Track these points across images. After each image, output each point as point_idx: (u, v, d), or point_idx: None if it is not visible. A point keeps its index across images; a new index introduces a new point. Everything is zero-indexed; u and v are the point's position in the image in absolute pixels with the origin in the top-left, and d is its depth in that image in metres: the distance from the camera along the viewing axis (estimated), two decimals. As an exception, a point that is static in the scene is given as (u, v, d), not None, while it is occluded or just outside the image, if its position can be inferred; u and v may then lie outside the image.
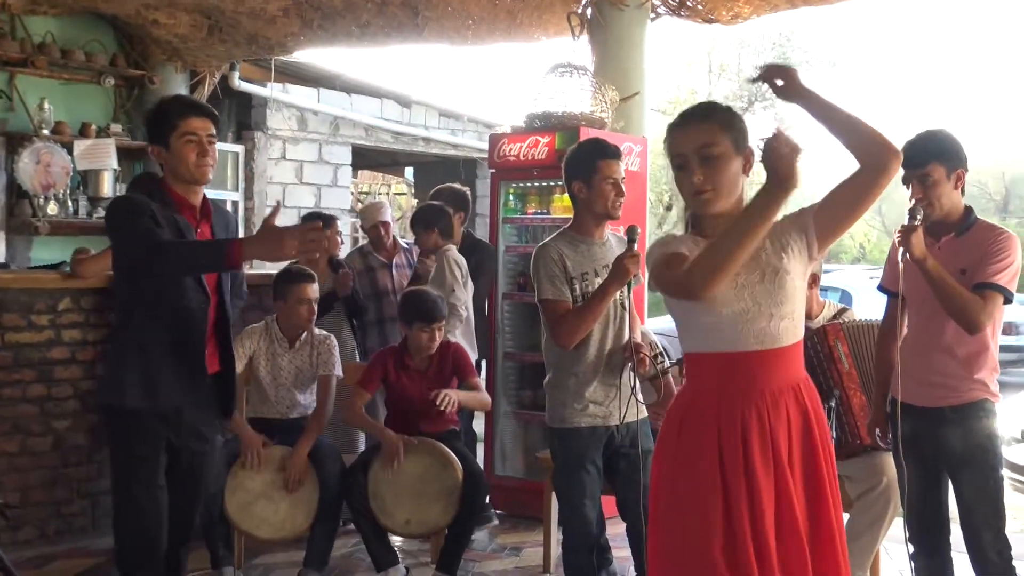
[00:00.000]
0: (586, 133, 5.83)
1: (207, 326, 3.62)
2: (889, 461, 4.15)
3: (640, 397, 4.06)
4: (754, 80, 2.76)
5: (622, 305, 4.10)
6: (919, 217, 3.59)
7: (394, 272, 6.44)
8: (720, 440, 2.68)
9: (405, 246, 6.70)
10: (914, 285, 3.71)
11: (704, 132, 2.71)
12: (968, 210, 3.75)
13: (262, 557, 5.26)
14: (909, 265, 3.64)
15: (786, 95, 2.70)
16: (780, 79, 2.69)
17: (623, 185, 4.09)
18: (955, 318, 3.56)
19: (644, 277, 4.29)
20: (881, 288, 4.08)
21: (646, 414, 4.16)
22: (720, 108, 2.83)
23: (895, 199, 34.82)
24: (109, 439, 3.77)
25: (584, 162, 4.03)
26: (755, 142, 2.68)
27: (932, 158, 3.67)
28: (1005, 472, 3.96)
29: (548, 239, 4.21)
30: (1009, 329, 12.24)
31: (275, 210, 3.32)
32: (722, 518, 2.64)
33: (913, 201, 3.68)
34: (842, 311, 4.88)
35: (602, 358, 4.06)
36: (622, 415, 4.03)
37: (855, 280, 13.71)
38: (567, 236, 4.15)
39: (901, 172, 3.71)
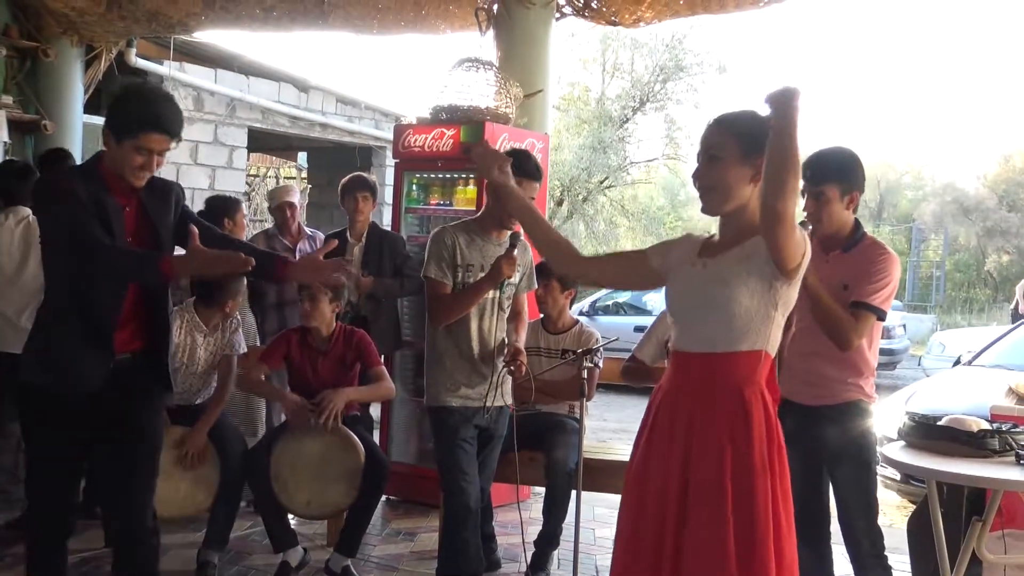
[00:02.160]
0: (491, 127, 5.95)
1: (120, 308, 3.50)
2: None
3: (507, 396, 4.47)
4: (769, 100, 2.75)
5: (500, 306, 4.37)
6: (807, 230, 3.76)
7: (297, 256, 6.46)
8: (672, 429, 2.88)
9: (309, 233, 6.73)
10: (801, 290, 3.90)
11: (717, 134, 2.89)
12: (857, 225, 3.93)
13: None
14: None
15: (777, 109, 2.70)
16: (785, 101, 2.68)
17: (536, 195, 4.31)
18: (828, 335, 3.73)
19: (518, 280, 4.44)
20: None
21: (508, 402, 4.50)
22: (746, 117, 2.91)
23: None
24: (20, 416, 3.73)
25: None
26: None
27: (830, 179, 3.84)
28: (879, 469, 4.18)
29: (450, 224, 4.42)
30: (883, 333, 12.67)
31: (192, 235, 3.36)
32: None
33: (804, 215, 3.85)
34: None
35: (475, 349, 4.32)
36: (488, 401, 4.32)
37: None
38: (467, 226, 4.37)
39: (801, 183, 3.92)
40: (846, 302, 3.75)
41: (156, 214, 3.56)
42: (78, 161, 6.41)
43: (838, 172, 3.87)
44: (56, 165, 5.76)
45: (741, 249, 2.85)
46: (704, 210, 2.97)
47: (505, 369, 4.30)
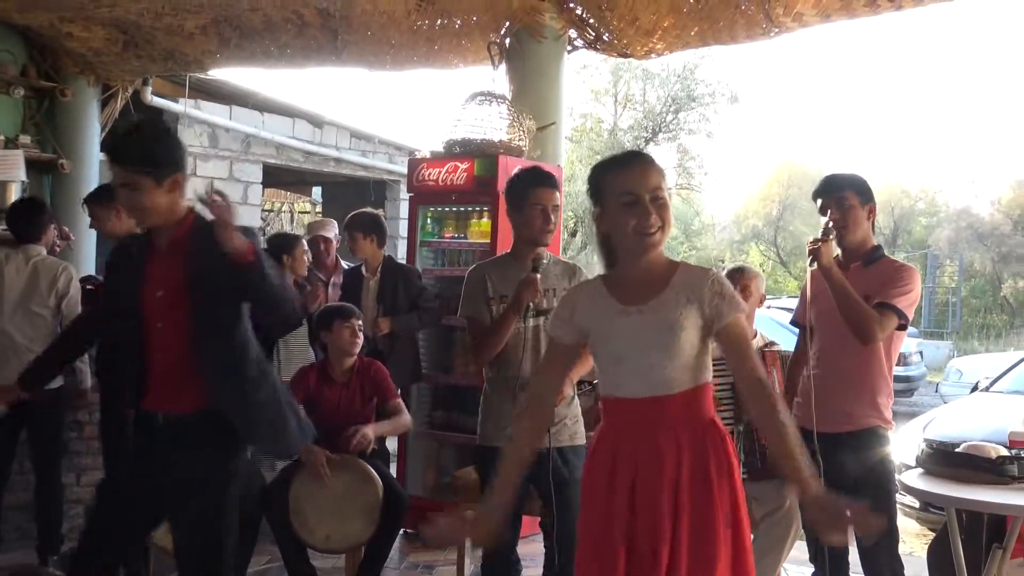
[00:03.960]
0: (504, 160, 5.99)
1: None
2: (793, 485, 4.32)
3: (574, 436, 4.12)
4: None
5: (543, 336, 4.07)
6: (831, 236, 3.86)
7: (330, 290, 6.53)
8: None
9: (346, 267, 6.78)
10: (820, 314, 3.93)
11: (658, 175, 2.87)
12: (878, 247, 4.01)
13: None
14: (816, 297, 3.85)
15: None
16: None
17: (553, 213, 4.14)
18: (852, 327, 3.77)
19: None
20: (793, 322, 4.31)
21: (581, 442, 4.12)
22: (648, 155, 3.04)
23: (791, 231, 35.81)
24: None
25: (517, 188, 4.13)
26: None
27: (848, 187, 3.97)
28: (897, 497, 4.17)
29: (482, 261, 4.37)
30: (899, 359, 12.65)
31: None
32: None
33: (830, 223, 3.92)
34: (771, 344, 5.08)
35: (520, 382, 4.06)
36: (547, 440, 3.89)
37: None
38: (500, 259, 4.31)
39: (818, 202, 3.98)
40: None
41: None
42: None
43: (853, 183, 4.01)
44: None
45: (671, 289, 2.85)
46: (645, 251, 2.86)
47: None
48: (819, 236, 3.88)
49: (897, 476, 4.08)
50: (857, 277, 3.89)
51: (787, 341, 4.96)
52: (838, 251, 3.95)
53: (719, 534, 2.77)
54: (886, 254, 4.06)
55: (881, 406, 3.93)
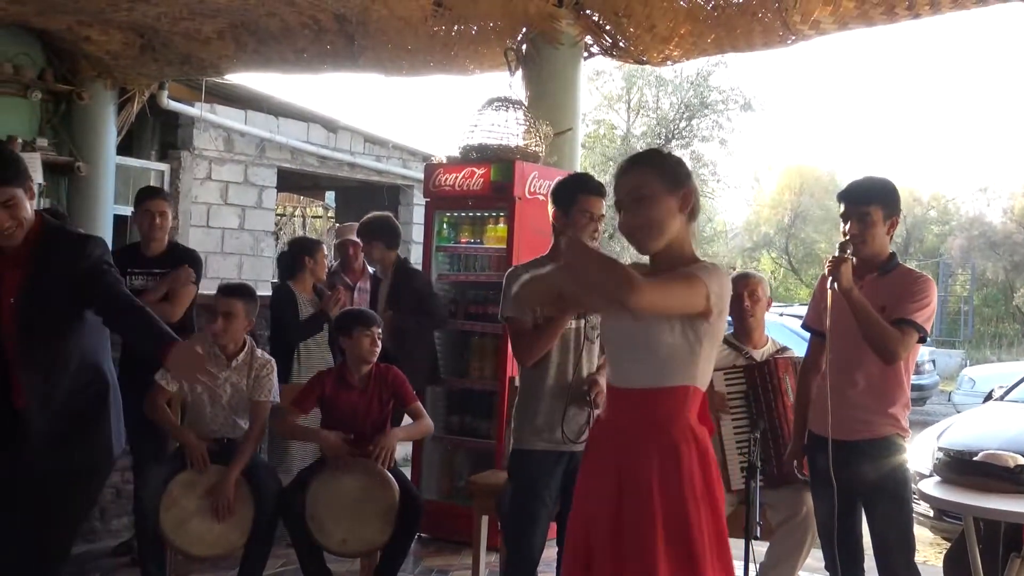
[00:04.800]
0: (520, 166, 6.01)
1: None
2: (809, 492, 4.31)
3: (572, 431, 4.08)
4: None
5: (587, 337, 4.14)
6: (849, 251, 3.82)
7: (356, 296, 6.56)
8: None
9: (372, 272, 6.82)
10: (834, 321, 3.92)
11: (634, 176, 2.91)
12: (893, 255, 3.99)
13: (192, 576, 5.29)
14: (831, 302, 3.84)
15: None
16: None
17: (600, 223, 4.17)
18: (874, 348, 3.76)
19: None
20: (805, 326, 4.30)
21: None
22: (650, 152, 3.06)
23: (802, 238, 35.79)
24: None
25: (566, 192, 4.13)
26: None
27: (875, 200, 3.92)
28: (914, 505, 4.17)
29: (522, 264, 4.34)
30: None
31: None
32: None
33: (847, 236, 3.90)
34: (783, 349, 5.08)
35: (562, 385, 4.11)
36: (576, 443, 4.01)
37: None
38: (539, 261, 4.25)
39: (841, 207, 3.96)
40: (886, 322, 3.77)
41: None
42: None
43: (881, 196, 3.95)
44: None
45: None
46: (639, 251, 2.95)
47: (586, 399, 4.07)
48: (836, 254, 3.83)
49: (913, 485, 4.07)
50: (873, 288, 3.87)
51: (799, 348, 4.95)
52: (853, 258, 3.91)
53: (656, 550, 2.71)
54: (901, 263, 4.03)
55: (898, 414, 3.91)
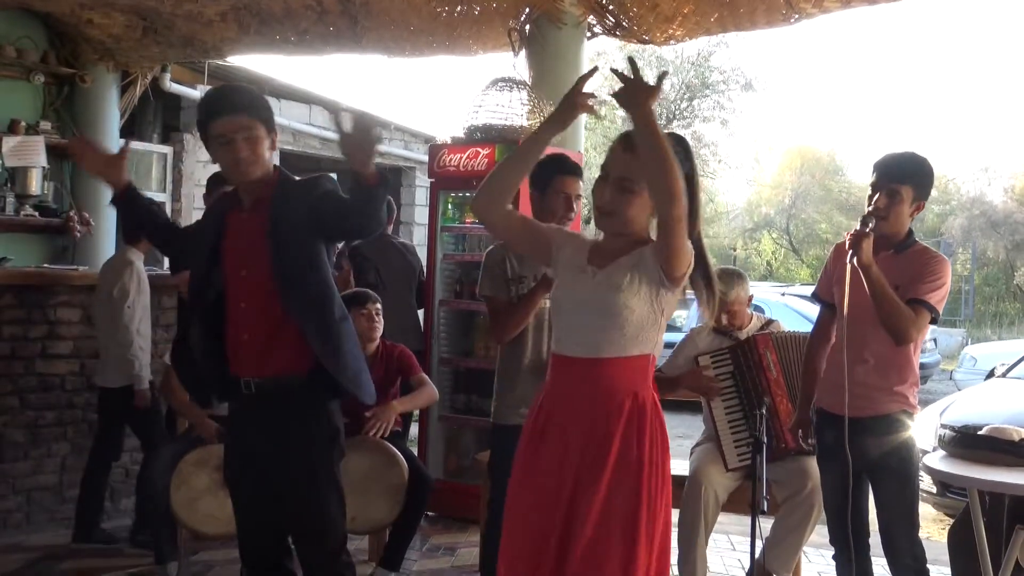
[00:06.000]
0: (525, 146, 6.01)
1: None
2: (814, 466, 4.33)
3: None
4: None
5: None
6: (871, 225, 3.75)
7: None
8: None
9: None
10: (850, 298, 3.91)
11: (628, 165, 2.89)
12: (910, 232, 3.95)
13: (202, 554, 5.33)
14: (841, 276, 3.83)
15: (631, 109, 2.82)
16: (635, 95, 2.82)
17: (576, 202, 4.23)
18: (887, 327, 3.74)
19: None
20: (815, 296, 4.30)
21: None
22: None
23: (803, 218, 35.80)
24: None
25: (542, 173, 4.14)
26: None
27: (907, 180, 3.85)
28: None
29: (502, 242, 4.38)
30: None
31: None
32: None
33: (871, 208, 3.83)
34: (769, 323, 5.12)
35: (538, 362, 4.18)
36: None
37: (766, 295, 14.10)
38: None
39: (873, 176, 3.91)
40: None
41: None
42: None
43: (915, 176, 3.89)
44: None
45: (629, 258, 2.90)
46: (598, 227, 3.00)
47: None
48: (858, 229, 3.76)
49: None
50: (888, 264, 3.82)
51: (803, 328, 4.96)
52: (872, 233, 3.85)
53: (639, 518, 2.79)
54: (918, 241, 3.98)
55: (907, 392, 3.90)
